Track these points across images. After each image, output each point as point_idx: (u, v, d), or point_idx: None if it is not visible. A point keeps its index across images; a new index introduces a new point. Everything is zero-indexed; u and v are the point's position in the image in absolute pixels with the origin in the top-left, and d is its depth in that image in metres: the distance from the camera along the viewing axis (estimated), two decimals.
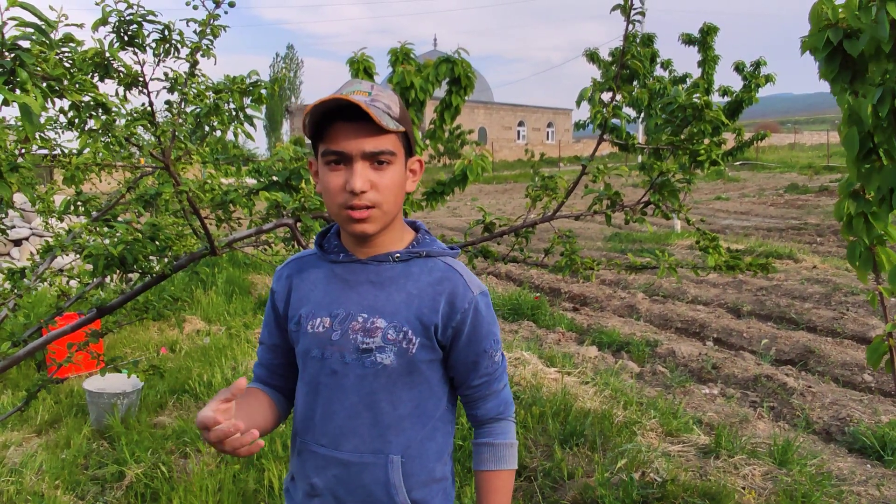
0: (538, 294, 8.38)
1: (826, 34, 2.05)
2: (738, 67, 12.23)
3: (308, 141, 1.40)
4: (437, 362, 1.39)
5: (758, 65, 12.11)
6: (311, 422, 1.41)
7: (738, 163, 29.67)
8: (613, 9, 2.35)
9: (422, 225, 1.47)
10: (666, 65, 12.53)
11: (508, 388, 1.48)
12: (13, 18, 1.49)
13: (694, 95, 2.67)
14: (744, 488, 3.37)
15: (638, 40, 11.36)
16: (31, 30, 1.52)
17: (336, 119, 1.27)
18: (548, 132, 55.54)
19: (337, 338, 1.35)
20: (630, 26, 2.42)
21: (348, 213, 1.29)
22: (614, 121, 2.93)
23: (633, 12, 2.35)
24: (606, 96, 2.78)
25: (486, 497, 1.42)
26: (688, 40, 12.82)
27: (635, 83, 12.14)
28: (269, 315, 1.51)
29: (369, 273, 1.37)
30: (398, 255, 1.37)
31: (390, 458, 1.36)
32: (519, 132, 53.24)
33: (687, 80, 12.59)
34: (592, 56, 12.55)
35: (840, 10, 2.02)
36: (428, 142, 6.35)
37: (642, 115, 11.56)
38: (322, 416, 1.39)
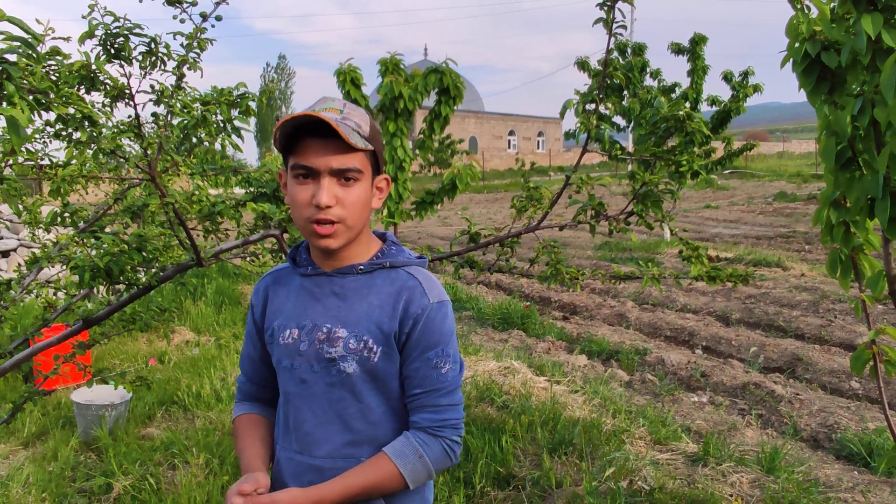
0: (528, 303, 8.39)
1: (804, 47, 2.09)
2: (727, 77, 12.35)
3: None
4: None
5: (746, 74, 12.23)
6: (286, 429, 1.46)
7: (727, 171, 29.88)
8: (596, 22, 2.38)
9: (390, 235, 1.50)
10: (655, 74, 12.63)
11: (459, 410, 1.42)
12: (1, 33, 1.51)
13: (678, 109, 2.70)
14: (731, 496, 3.38)
15: (629, 50, 11.39)
16: (18, 43, 1.53)
17: (307, 134, 1.30)
18: (538, 141, 55.74)
19: (304, 348, 1.40)
20: (612, 39, 2.46)
21: (314, 227, 1.32)
22: (600, 130, 2.96)
23: (615, 26, 2.38)
24: (593, 107, 2.81)
25: (356, 468, 1.36)
26: (677, 50, 12.92)
27: (625, 93, 12.22)
28: (250, 328, 1.54)
29: (334, 285, 1.41)
30: (361, 267, 1.41)
31: (361, 461, 1.38)
32: (510, 141, 53.42)
33: (676, 89, 12.70)
34: (583, 65, 12.64)
35: (816, 23, 2.05)
36: (417, 151, 6.38)
37: (632, 124, 11.63)
38: (294, 423, 1.43)
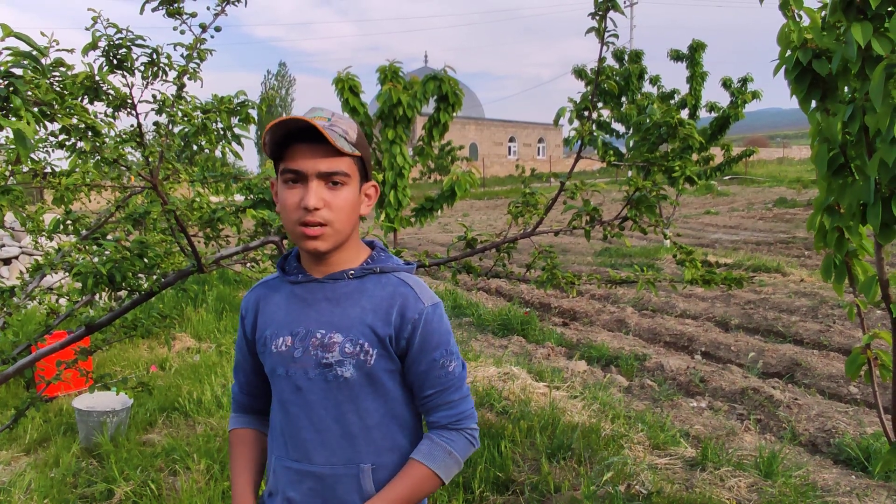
0: (528, 309, 8.42)
1: (796, 55, 2.12)
2: (726, 83, 12.39)
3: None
4: (398, 372, 1.44)
5: (744, 81, 12.28)
6: (282, 437, 1.46)
7: (727, 177, 29.90)
8: (588, 31, 2.42)
9: (378, 243, 1.54)
10: (654, 81, 12.68)
11: (469, 401, 1.49)
12: (7, 48, 1.54)
13: (670, 116, 2.73)
14: (729, 500, 3.40)
15: (626, 57, 11.42)
16: (24, 58, 1.56)
17: (296, 140, 1.34)
18: (539, 147, 55.84)
19: (299, 355, 1.41)
20: (605, 48, 2.49)
21: (302, 229, 1.35)
22: (593, 136, 3.00)
23: (606, 34, 2.42)
24: (587, 114, 2.85)
25: (394, 480, 1.41)
26: (676, 56, 12.97)
27: (623, 99, 12.23)
28: (241, 340, 1.56)
29: (326, 291, 1.43)
30: (352, 272, 1.43)
31: (361, 467, 1.40)
32: (510, 148, 53.51)
33: (675, 95, 12.74)
34: (580, 73, 12.71)
35: (806, 31, 2.09)
36: (417, 158, 6.41)
37: (630, 130, 11.65)
38: (291, 431, 1.44)
